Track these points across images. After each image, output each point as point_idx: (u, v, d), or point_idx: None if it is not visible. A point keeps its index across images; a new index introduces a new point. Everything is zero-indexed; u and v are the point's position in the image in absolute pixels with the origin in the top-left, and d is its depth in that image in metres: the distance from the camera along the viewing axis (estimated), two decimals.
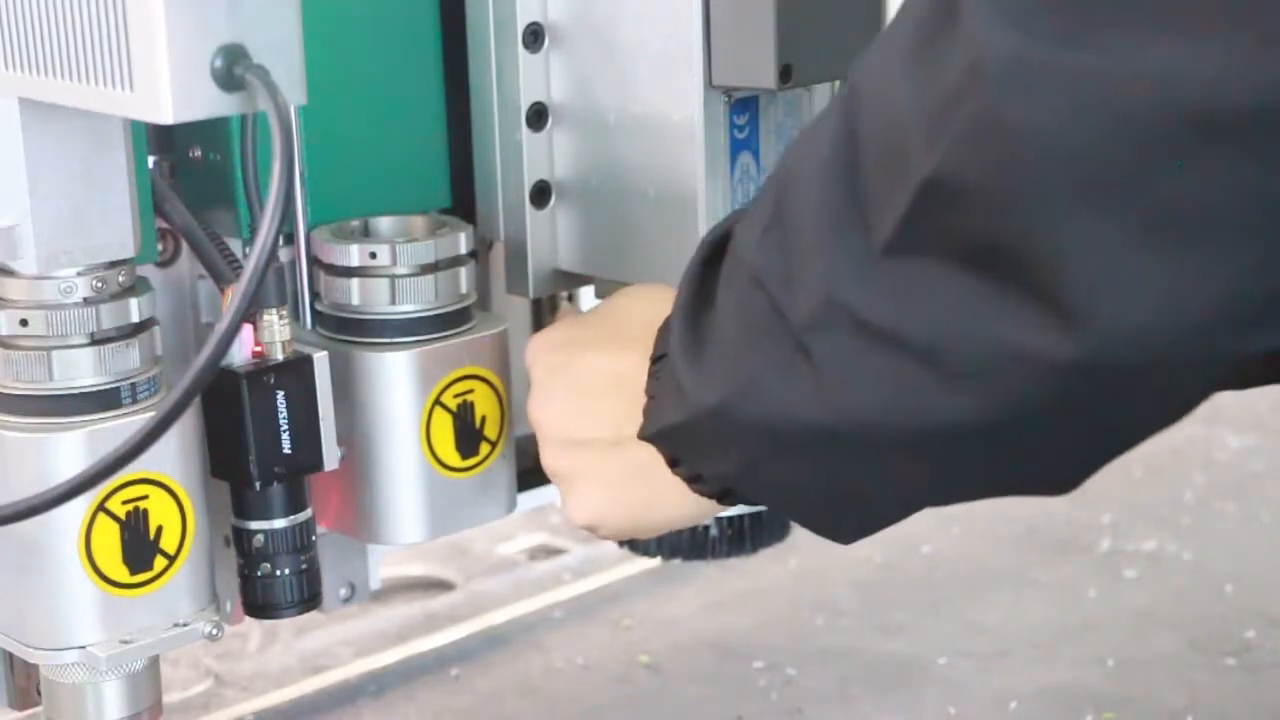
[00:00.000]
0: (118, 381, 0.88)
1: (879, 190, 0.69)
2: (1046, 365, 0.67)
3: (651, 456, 0.85)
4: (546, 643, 1.39)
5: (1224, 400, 1.69)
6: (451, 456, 0.99)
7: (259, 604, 0.96)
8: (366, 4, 0.99)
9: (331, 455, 0.95)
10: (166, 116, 0.74)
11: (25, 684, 1.01)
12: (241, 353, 0.92)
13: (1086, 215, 0.64)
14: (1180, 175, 0.62)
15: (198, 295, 1.00)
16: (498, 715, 1.29)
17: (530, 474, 1.07)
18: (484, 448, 1.00)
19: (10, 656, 0.99)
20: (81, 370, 0.87)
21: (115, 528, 0.88)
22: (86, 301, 0.87)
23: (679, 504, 0.86)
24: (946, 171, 0.66)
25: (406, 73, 1.01)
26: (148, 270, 0.94)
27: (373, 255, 0.96)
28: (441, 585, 1.53)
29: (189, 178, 0.99)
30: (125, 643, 0.89)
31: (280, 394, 0.92)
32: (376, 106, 1.00)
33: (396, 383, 0.97)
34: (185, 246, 0.98)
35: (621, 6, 0.95)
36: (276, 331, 0.93)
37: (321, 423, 0.94)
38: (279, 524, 0.94)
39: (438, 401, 0.98)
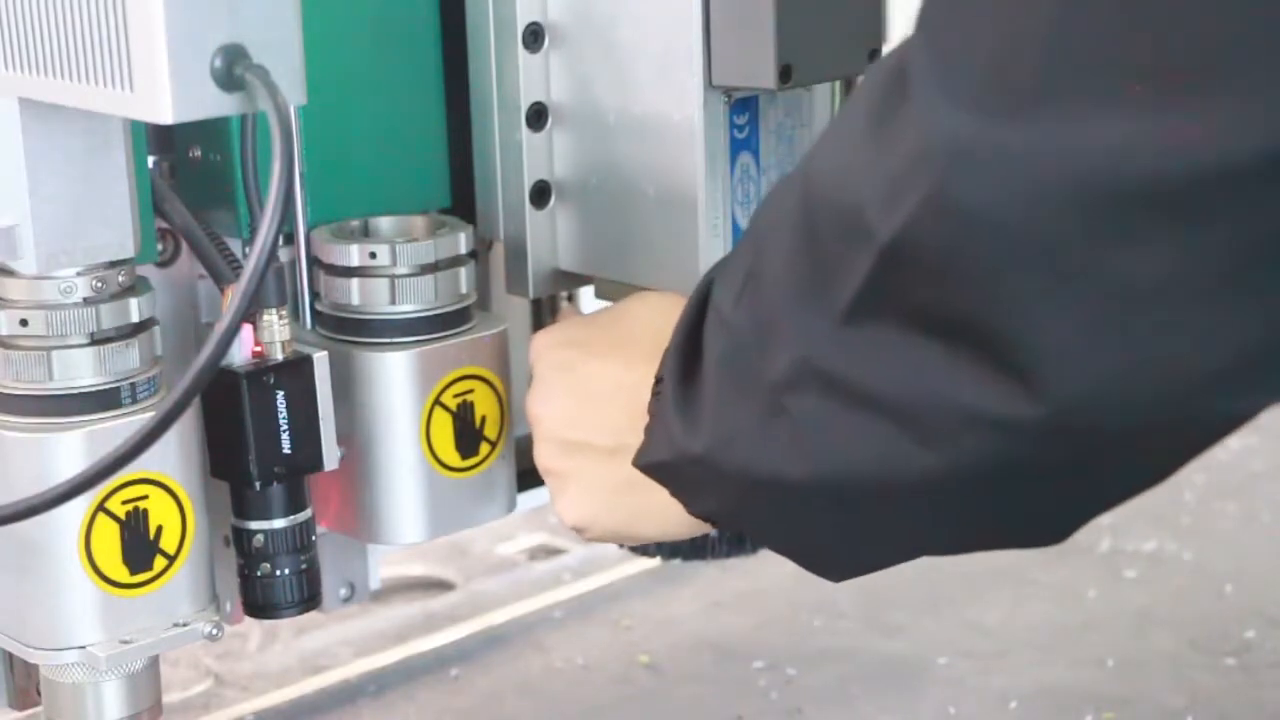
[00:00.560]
0: (117, 381, 0.88)
1: (838, 259, 0.70)
2: (1012, 429, 0.68)
3: None
4: (546, 643, 1.39)
5: None
6: (451, 456, 0.99)
7: (259, 604, 0.96)
8: (366, 4, 0.99)
9: (331, 455, 0.95)
10: (166, 116, 0.74)
11: (25, 684, 1.01)
12: (241, 353, 0.92)
13: (1039, 289, 0.65)
14: (1128, 248, 0.63)
15: (197, 295, 1.00)
16: (498, 715, 1.29)
17: (530, 474, 1.07)
18: (484, 448, 1.00)
19: (10, 656, 0.99)
20: (81, 370, 0.87)
21: (115, 528, 0.88)
22: (86, 301, 0.87)
23: (669, 520, 0.86)
24: (901, 245, 0.67)
25: (406, 73, 1.01)
26: (148, 270, 0.94)
27: (373, 255, 0.96)
28: (441, 585, 1.53)
29: (189, 178, 0.99)
30: (125, 643, 0.89)
31: (280, 394, 0.92)
32: (376, 106, 1.00)
33: (396, 383, 0.97)
34: (185, 246, 0.98)
35: (621, 6, 0.95)
36: (276, 331, 0.93)
37: (321, 423, 0.94)
38: (279, 524, 0.94)
39: (437, 401, 0.98)
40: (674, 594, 1.46)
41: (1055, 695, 1.29)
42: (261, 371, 0.92)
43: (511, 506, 1.03)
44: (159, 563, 0.90)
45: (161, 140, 0.98)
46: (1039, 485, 0.71)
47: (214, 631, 0.92)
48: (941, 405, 0.69)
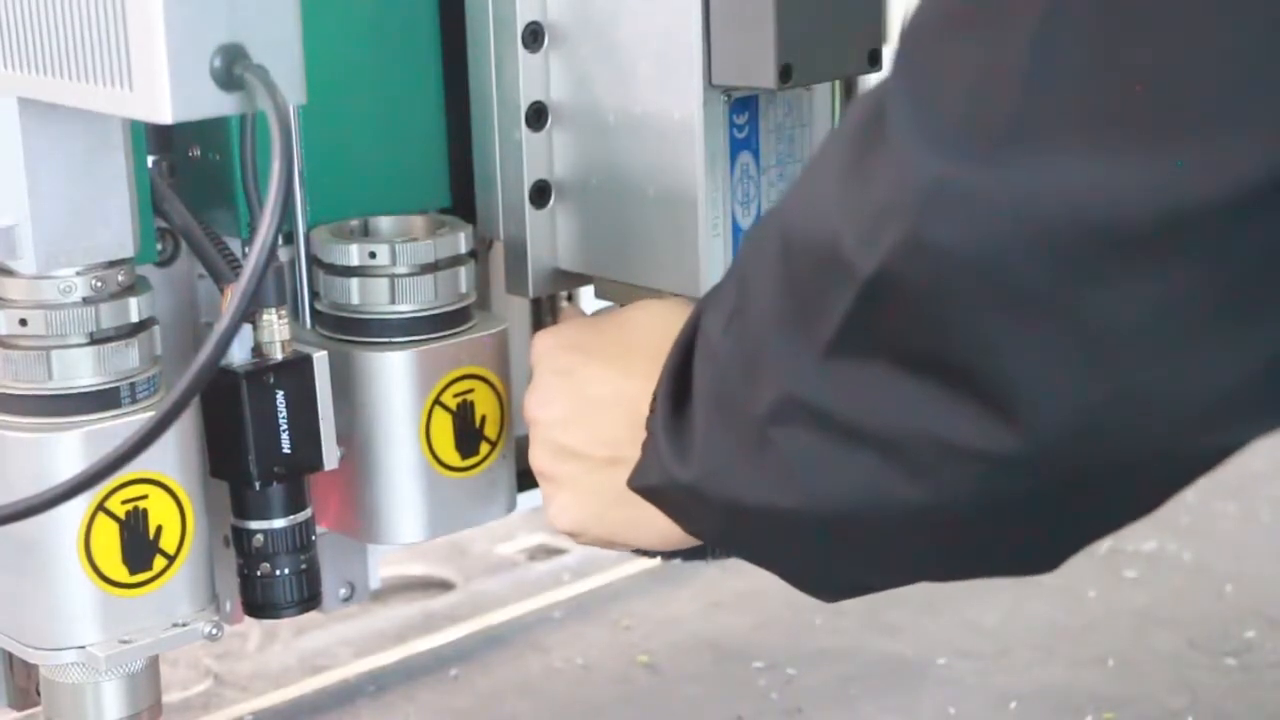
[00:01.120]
0: (117, 381, 0.88)
1: (819, 295, 0.71)
2: (996, 464, 0.68)
3: None
4: (546, 643, 1.39)
5: None
6: (451, 456, 0.99)
7: (258, 604, 0.96)
8: (366, 4, 0.99)
9: (331, 455, 0.95)
10: (166, 116, 0.74)
11: (25, 684, 1.01)
12: (241, 352, 0.92)
13: (1017, 329, 0.65)
14: (1104, 289, 0.63)
15: (197, 295, 1.00)
16: (497, 715, 1.29)
17: (530, 474, 1.07)
18: (484, 447, 1.00)
19: (10, 656, 0.99)
20: (81, 370, 0.87)
21: (115, 527, 0.88)
22: (86, 301, 0.87)
23: (661, 531, 0.87)
24: (880, 284, 0.68)
25: (406, 72, 1.01)
26: (147, 270, 0.94)
27: (372, 255, 0.96)
28: (441, 585, 1.53)
29: (188, 177, 0.99)
30: (124, 643, 0.89)
31: (280, 394, 0.92)
32: (376, 106, 1.00)
33: (396, 382, 0.97)
34: (184, 246, 0.98)
35: (621, 6, 0.95)
36: (276, 331, 0.93)
37: (321, 422, 0.94)
38: (278, 524, 0.94)
39: (437, 401, 0.98)
40: (674, 594, 1.46)
41: (1055, 695, 1.29)
42: (261, 371, 0.92)
43: (511, 506, 1.03)
44: (158, 562, 0.90)
45: (161, 140, 0.98)
46: (1026, 518, 0.72)
47: (213, 631, 0.92)
48: (926, 440, 0.69)
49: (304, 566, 0.95)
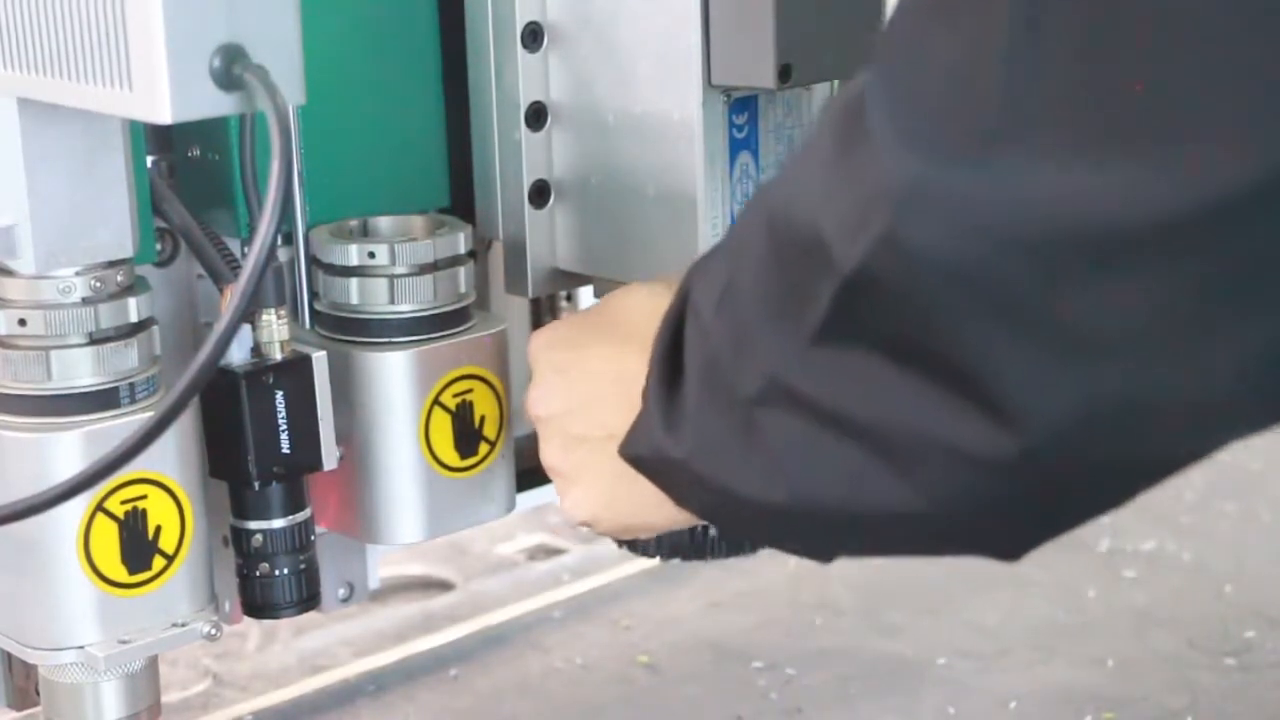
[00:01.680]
0: (116, 381, 0.88)
1: (805, 283, 0.70)
2: (986, 462, 0.68)
3: None
4: (546, 643, 1.39)
5: None
6: (450, 456, 0.99)
7: (257, 604, 0.96)
8: (366, 4, 0.99)
9: (330, 455, 0.95)
10: (165, 116, 0.74)
11: (24, 684, 1.01)
12: (240, 352, 0.92)
13: (999, 330, 0.65)
14: (1083, 293, 0.63)
15: (196, 295, 1.00)
16: (497, 715, 1.29)
17: (529, 474, 1.07)
18: (483, 447, 1.00)
19: (9, 656, 0.99)
20: (80, 370, 0.87)
21: (114, 527, 0.88)
22: (85, 301, 0.87)
23: (668, 514, 0.86)
24: (861, 279, 0.67)
25: (406, 72, 1.01)
26: (146, 270, 0.94)
27: (371, 255, 0.96)
28: (440, 585, 1.53)
29: (188, 177, 0.98)
30: (124, 643, 0.89)
31: (279, 394, 0.92)
32: (375, 106, 1.00)
33: (395, 382, 0.97)
34: (184, 246, 0.98)
35: (621, 6, 0.95)
36: (275, 331, 0.93)
37: (320, 422, 0.94)
38: (278, 524, 0.94)
39: (436, 401, 0.98)
40: (673, 594, 1.46)
41: (1055, 695, 1.29)
42: (260, 371, 0.92)
43: (511, 506, 1.03)
44: (158, 562, 0.90)
45: (160, 140, 0.98)
46: (1007, 514, 0.72)
47: (213, 631, 0.92)
48: (912, 433, 0.69)
49: (303, 566, 0.95)
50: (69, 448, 0.87)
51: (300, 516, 0.95)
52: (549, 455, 0.92)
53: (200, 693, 1.34)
